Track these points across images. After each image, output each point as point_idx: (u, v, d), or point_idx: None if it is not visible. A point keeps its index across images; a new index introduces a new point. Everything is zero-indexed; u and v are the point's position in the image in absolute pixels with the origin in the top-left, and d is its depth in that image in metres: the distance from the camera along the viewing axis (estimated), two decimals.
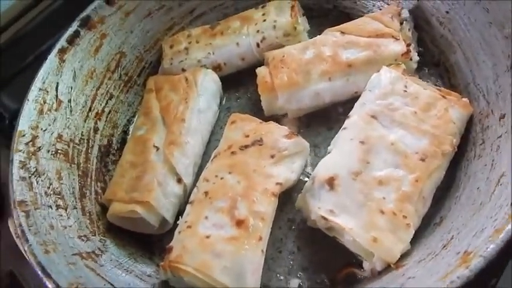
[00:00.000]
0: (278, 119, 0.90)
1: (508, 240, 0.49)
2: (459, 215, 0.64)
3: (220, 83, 0.99)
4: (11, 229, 0.77)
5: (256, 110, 0.93)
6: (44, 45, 1.14)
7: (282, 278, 0.73)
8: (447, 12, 0.84)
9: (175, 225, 0.79)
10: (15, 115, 1.02)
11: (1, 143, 1.03)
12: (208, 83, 0.96)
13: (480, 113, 0.74)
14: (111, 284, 0.68)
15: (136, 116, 0.97)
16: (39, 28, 1.26)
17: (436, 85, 0.85)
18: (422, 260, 0.60)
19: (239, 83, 1.01)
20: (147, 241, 0.83)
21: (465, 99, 0.75)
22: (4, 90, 1.16)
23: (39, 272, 0.63)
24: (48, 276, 0.62)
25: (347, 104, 0.85)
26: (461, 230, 0.59)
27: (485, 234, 0.53)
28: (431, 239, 0.64)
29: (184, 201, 0.82)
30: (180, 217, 0.77)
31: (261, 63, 0.95)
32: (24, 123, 0.83)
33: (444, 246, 0.59)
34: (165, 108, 0.91)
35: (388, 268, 0.63)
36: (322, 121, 0.90)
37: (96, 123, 0.96)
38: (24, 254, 0.66)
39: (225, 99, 1.01)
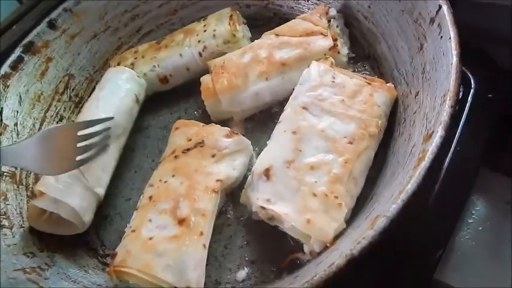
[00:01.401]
0: (225, 123, 0.92)
1: (410, 200, 0.52)
2: (383, 189, 0.67)
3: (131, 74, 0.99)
4: None
5: (206, 118, 0.95)
6: None
7: (233, 273, 0.74)
8: (369, 6, 0.90)
9: None
10: None
11: None
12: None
13: (402, 94, 0.78)
14: None
15: None
16: None
17: (370, 75, 0.90)
18: (349, 234, 0.63)
19: (189, 93, 1.03)
20: (102, 255, 0.83)
21: (390, 84, 0.80)
22: None
23: None
24: None
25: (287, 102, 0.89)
26: (380, 201, 0.62)
27: (392, 198, 0.56)
28: (361, 216, 0.67)
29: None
30: (127, 224, 0.77)
31: (206, 72, 0.98)
32: None
33: (366, 218, 0.62)
34: None
35: (326, 248, 0.65)
36: (268, 120, 0.92)
37: None
38: None
39: (175, 110, 1.03)
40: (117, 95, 0.95)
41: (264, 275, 0.73)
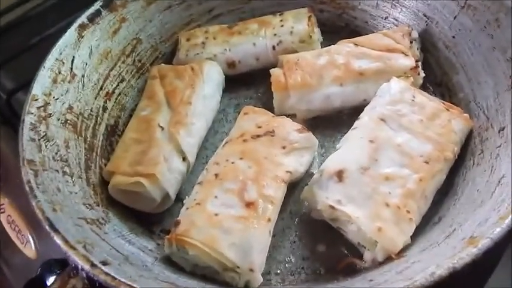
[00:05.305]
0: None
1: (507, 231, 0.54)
2: (459, 212, 0.68)
3: (224, 76, 1.03)
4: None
5: (266, 109, 0.95)
6: (52, 28, 1.15)
7: (283, 265, 0.76)
8: (453, 37, 0.91)
9: (173, 206, 0.82)
10: (11, 95, 1.07)
11: None
12: (214, 74, 1.00)
13: (480, 127, 0.79)
14: (117, 250, 0.68)
15: (140, 100, 0.99)
16: (42, 12, 1.30)
17: None
18: (425, 249, 0.63)
19: (250, 83, 1.05)
20: (147, 221, 0.84)
21: (466, 115, 0.81)
22: (2, 71, 1.17)
23: (47, 227, 0.63)
24: (56, 231, 0.63)
25: (353, 111, 0.90)
26: (463, 223, 0.63)
27: (490, 222, 0.57)
28: (431, 234, 0.67)
29: (185, 179, 0.86)
30: (187, 196, 0.78)
31: (273, 65, 0.99)
32: (37, 88, 0.84)
33: (447, 237, 0.63)
34: (170, 92, 0.93)
35: (388, 258, 0.66)
36: (327, 125, 0.94)
37: (105, 102, 0.97)
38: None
39: (234, 96, 1.04)
40: (216, 94, 0.99)
41: (315, 273, 0.73)
